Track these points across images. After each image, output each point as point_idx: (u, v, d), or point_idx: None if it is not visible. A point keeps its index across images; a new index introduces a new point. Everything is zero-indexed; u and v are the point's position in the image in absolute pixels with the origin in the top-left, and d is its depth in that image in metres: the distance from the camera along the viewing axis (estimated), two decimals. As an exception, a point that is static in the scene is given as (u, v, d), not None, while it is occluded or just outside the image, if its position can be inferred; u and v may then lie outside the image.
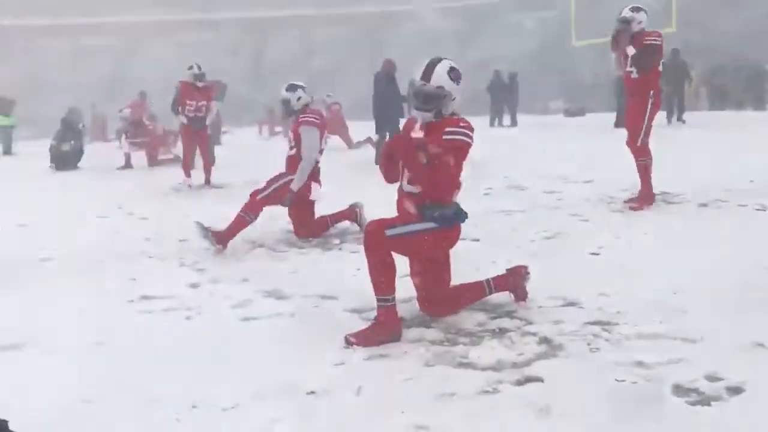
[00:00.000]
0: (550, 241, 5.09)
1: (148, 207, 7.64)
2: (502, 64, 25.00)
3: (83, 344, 3.33)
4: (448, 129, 3.26)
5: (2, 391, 2.82)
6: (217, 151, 14.74)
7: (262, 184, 5.59)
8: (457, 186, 3.36)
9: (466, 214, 3.41)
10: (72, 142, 12.81)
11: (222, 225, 6.17)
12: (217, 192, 8.80)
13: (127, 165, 12.25)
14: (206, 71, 9.44)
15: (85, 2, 38.84)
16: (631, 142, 6.17)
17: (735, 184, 6.85)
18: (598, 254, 4.59)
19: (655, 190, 6.34)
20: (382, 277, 3.18)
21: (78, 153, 12.90)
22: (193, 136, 9.38)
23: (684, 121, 15.44)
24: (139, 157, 12.59)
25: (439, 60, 3.36)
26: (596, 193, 6.88)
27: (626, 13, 6.13)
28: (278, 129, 19.40)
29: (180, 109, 9.24)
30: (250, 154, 14.19)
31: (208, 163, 9.51)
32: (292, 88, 5.76)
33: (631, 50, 6.03)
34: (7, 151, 17.40)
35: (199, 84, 9.27)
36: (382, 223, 3.24)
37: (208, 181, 9.36)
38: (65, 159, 12.57)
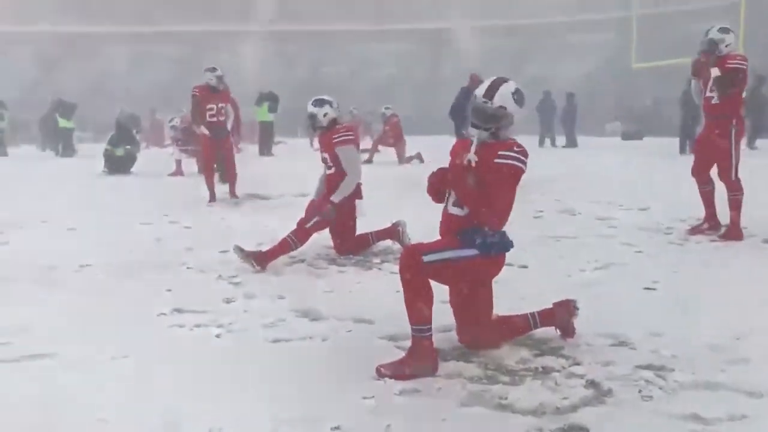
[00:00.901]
0: (601, 272, 4.82)
1: (193, 215, 7.61)
2: (559, 85, 24.64)
3: (107, 358, 3.23)
4: (501, 152, 3.07)
5: (21, 406, 2.73)
6: (268, 162, 14.88)
7: (306, 212, 5.41)
8: (508, 213, 3.14)
9: (511, 242, 3.20)
10: (127, 147, 12.99)
11: (265, 237, 6.11)
12: (263, 203, 8.73)
13: (178, 172, 12.35)
14: (224, 74, 8.80)
15: (147, 10, 39.96)
16: (724, 177, 5.86)
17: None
18: (653, 289, 4.31)
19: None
20: (418, 306, 3.00)
21: (131, 158, 13.08)
22: (215, 148, 8.75)
23: (756, 148, 15.11)
24: (191, 164, 12.69)
25: (505, 80, 3.22)
26: (652, 222, 6.57)
27: (714, 34, 5.80)
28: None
29: (201, 118, 8.65)
30: (300, 166, 14.20)
31: (233, 175, 8.90)
32: (319, 103, 5.57)
33: (715, 71, 5.71)
34: (67, 154, 17.80)
35: (217, 89, 8.67)
36: (420, 248, 3.06)
37: (233, 193, 8.86)
38: (119, 163, 12.76)
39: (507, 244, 3.16)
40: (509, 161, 3.06)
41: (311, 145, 20.45)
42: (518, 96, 3.18)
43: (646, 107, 29.18)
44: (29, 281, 4.76)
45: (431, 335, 3.02)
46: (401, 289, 4.08)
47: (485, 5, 38.85)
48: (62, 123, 17.95)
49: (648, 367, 3.02)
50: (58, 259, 5.38)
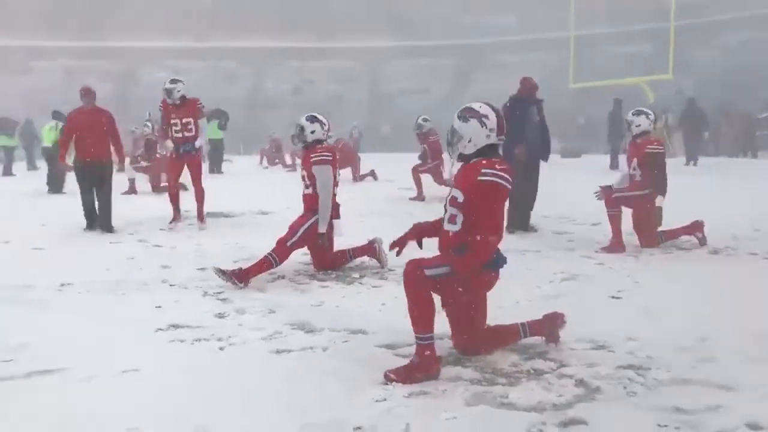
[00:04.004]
0: (568, 282, 5.16)
1: (160, 235, 7.68)
2: (499, 102, 25.35)
3: (119, 371, 3.35)
4: (483, 170, 3.29)
5: (48, 418, 2.84)
6: (220, 180, 14.88)
7: (286, 230, 5.54)
8: (500, 230, 3.37)
9: (505, 258, 3.47)
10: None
11: (238, 254, 6.26)
12: (226, 221, 8.80)
13: (131, 190, 12.23)
14: (174, 86, 8.06)
15: (82, 25, 39.24)
16: (607, 192, 6.47)
17: (741, 232, 7.02)
18: (619, 298, 4.66)
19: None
20: (422, 316, 3.22)
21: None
22: (180, 164, 8.24)
23: (695, 165, 16.45)
24: (143, 182, 12.61)
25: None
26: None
27: (628, 115, 6.62)
28: (277, 161, 19.58)
29: (167, 133, 8.23)
30: (253, 183, 14.32)
31: (201, 194, 8.25)
32: (311, 119, 5.72)
33: (634, 163, 6.51)
34: (7, 172, 17.37)
35: (171, 100, 8.09)
36: (422, 263, 3.27)
37: (200, 217, 8.24)
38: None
39: (501, 260, 3.43)
40: (491, 178, 3.26)
41: (260, 162, 20.54)
42: (464, 112, 3.43)
43: (579, 126, 30.27)
44: (12, 301, 4.80)
45: (433, 343, 3.25)
46: (387, 301, 4.36)
47: (425, 25, 39.64)
48: (2, 141, 17.51)
49: (628, 367, 3.33)
50: (34, 279, 5.41)
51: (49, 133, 13.40)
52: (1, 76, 37.03)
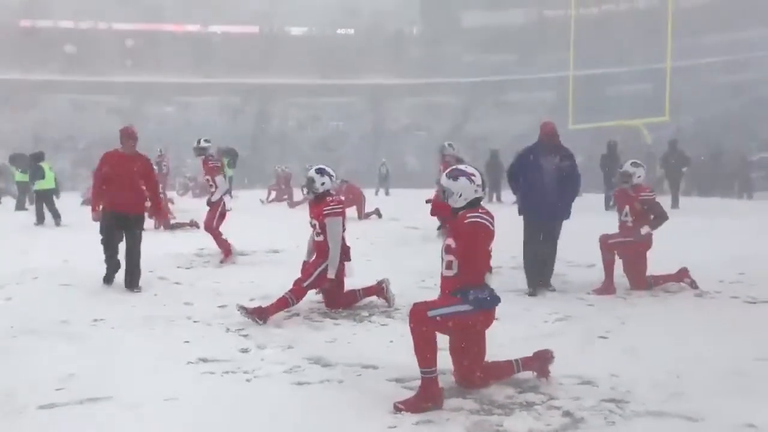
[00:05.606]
0: (561, 323, 5.61)
1: (178, 273, 8.13)
2: (497, 141, 25.97)
3: (162, 399, 3.80)
4: (468, 215, 3.86)
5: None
6: (228, 217, 15.34)
7: (301, 272, 6.05)
8: (486, 267, 3.87)
9: (499, 298, 3.94)
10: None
11: (254, 292, 6.71)
12: (240, 260, 9.22)
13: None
14: (209, 144, 9.32)
15: (88, 60, 40.09)
16: (604, 239, 6.96)
17: (726, 275, 7.45)
18: (606, 338, 5.11)
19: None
20: (426, 352, 3.68)
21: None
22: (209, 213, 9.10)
23: (678, 207, 16.42)
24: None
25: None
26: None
27: (627, 167, 7.08)
28: (284, 197, 20.19)
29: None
30: (259, 221, 14.81)
31: (210, 232, 9.06)
32: (320, 171, 6.15)
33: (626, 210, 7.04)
34: (21, 207, 17.87)
35: (202, 157, 9.19)
36: (426, 305, 3.76)
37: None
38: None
39: (495, 300, 3.90)
40: (475, 219, 3.84)
41: (263, 202, 21.06)
42: (450, 173, 4.03)
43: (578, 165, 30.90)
44: (53, 334, 5.26)
45: (437, 376, 3.71)
46: (395, 338, 4.81)
47: (427, 63, 40.52)
48: (18, 177, 18.05)
49: (610, 400, 3.79)
50: (68, 315, 5.87)
51: (50, 174, 14.26)
52: (9, 111, 37.86)
